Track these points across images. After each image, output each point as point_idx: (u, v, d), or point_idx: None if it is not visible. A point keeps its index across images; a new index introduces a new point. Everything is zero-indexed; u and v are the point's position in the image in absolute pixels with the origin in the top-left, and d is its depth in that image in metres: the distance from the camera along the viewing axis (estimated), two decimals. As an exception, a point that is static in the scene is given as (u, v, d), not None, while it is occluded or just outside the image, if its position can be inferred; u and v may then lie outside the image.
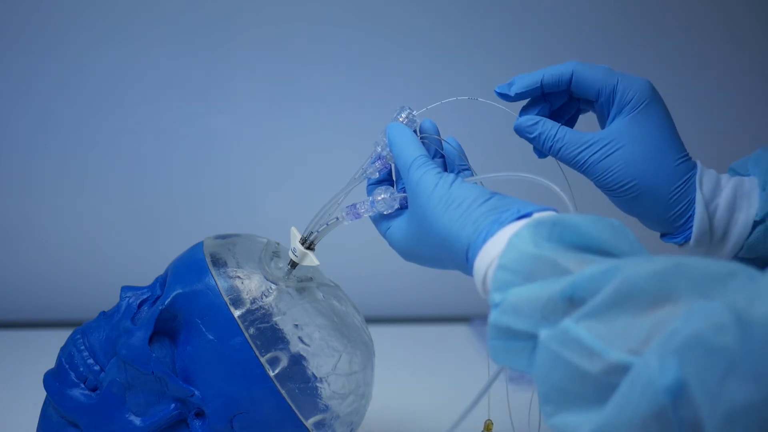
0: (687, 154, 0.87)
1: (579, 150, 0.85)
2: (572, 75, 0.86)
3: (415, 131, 0.86)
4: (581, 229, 0.66)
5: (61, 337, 0.95)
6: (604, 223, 0.67)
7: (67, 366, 0.90)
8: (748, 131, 1.45)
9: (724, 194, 0.86)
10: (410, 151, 0.80)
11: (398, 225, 0.82)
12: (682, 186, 0.86)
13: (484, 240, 0.71)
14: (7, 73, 1.36)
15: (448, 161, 0.87)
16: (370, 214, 0.85)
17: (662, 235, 0.89)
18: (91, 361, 0.90)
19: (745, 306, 0.51)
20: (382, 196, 0.84)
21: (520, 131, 0.87)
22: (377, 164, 0.86)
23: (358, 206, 0.85)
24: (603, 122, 0.88)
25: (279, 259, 0.94)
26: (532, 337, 0.63)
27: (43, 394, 0.91)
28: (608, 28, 1.42)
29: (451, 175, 0.77)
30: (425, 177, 0.77)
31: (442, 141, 0.87)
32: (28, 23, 1.34)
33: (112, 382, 0.88)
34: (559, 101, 0.90)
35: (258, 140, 1.42)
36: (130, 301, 0.92)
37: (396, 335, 1.44)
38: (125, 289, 0.93)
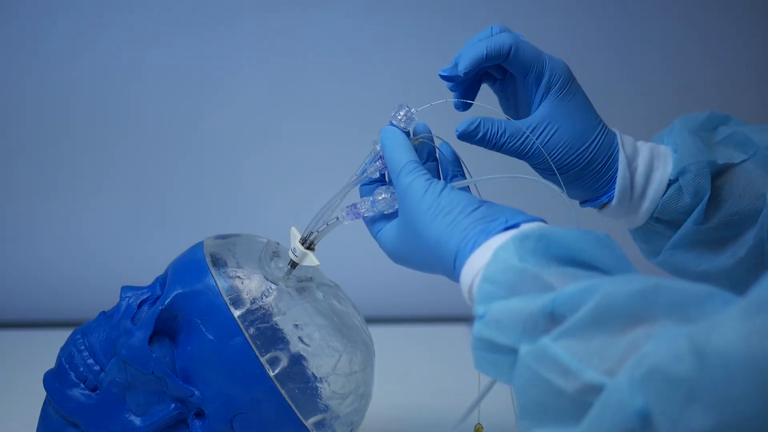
0: (605, 124, 0.89)
1: (523, 138, 0.86)
2: (511, 48, 0.86)
3: (410, 132, 0.86)
4: (567, 243, 0.67)
5: (61, 337, 0.95)
6: (590, 237, 0.67)
7: (67, 366, 0.90)
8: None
9: (642, 154, 0.90)
10: (401, 155, 0.80)
11: (389, 228, 0.83)
12: (612, 153, 0.89)
13: (472, 250, 0.71)
14: (5, 73, 1.37)
15: (442, 166, 0.87)
16: (371, 213, 0.85)
17: (582, 202, 0.92)
18: (91, 361, 0.90)
19: (703, 336, 0.52)
20: (383, 195, 0.84)
21: (465, 137, 0.86)
22: (378, 164, 0.86)
23: (358, 206, 0.85)
24: (520, 97, 0.89)
25: (279, 259, 0.94)
26: (513, 352, 0.64)
27: (43, 394, 0.91)
28: (610, 24, 1.42)
29: (441, 182, 0.77)
30: (415, 183, 0.77)
31: (438, 140, 0.87)
32: (21, 16, 1.34)
33: (112, 382, 0.88)
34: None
35: (258, 140, 1.42)
36: (130, 301, 0.92)
37: (396, 335, 1.44)
38: (125, 289, 0.93)
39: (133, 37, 1.36)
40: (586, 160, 0.87)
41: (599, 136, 0.88)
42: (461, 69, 0.85)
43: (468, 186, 0.84)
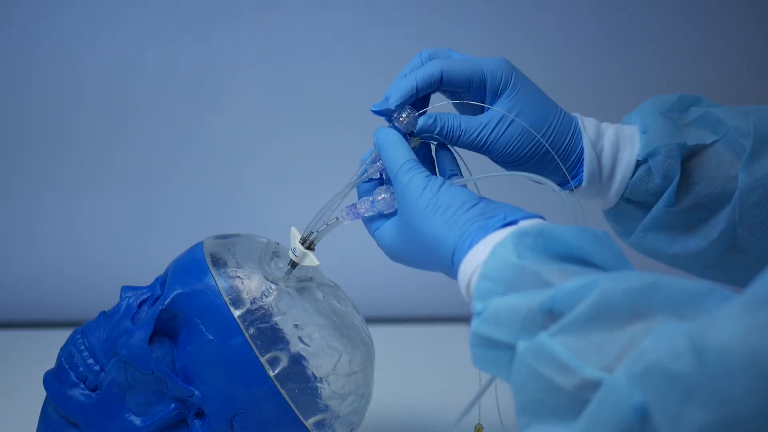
0: (563, 110, 0.89)
1: (478, 132, 0.86)
2: (442, 73, 0.86)
3: (410, 133, 0.86)
4: (565, 240, 0.67)
5: (61, 337, 0.95)
6: (588, 234, 0.67)
7: (67, 366, 0.90)
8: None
9: (608, 135, 0.90)
10: (399, 154, 0.81)
11: (387, 226, 0.83)
12: (572, 137, 0.88)
13: (470, 246, 0.71)
14: (4, 72, 1.37)
15: (440, 166, 0.87)
16: (371, 213, 0.85)
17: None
18: (91, 361, 0.90)
19: (702, 333, 0.52)
20: (382, 195, 0.84)
21: (424, 131, 0.86)
22: (378, 164, 0.86)
23: (358, 206, 0.85)
24: (473, 105, 0.90)
25: (279, 259, 0.94)
26: (511, 348, 0.64)
27: (43, 394, 0.91)
28: (609, 24, 1.42)
29: (440, 179, 0.78)
30: (413, 180, 0.78)
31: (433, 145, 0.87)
32: (21, 15, 1.34)
33: (112, 382, 0.88)
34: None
35: (258, 140, 1.42)
36: (130, 301, 0.92)
37: (396, 335, 1.44)
38: (125, 289, 0.93)
39: (132, 36, 1.36)
40: (545, 149, 0.87)
41: (555, 121, 0.87)
42: (392, 103, 0.85)
43: (465, 184, 0.84)
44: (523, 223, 0.71)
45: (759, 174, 0.87)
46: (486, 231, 0.71)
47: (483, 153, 0.87)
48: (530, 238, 0.67)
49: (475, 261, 0.70)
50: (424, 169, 0.79)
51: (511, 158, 0.87)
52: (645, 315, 0.59)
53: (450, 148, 0.87)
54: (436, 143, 0.87)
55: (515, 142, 0.86)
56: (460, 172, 0.86)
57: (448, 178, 0.85)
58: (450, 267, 0.74)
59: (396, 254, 0.82)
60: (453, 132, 0.85)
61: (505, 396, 0.92)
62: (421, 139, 0.86)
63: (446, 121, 0.85)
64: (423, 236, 0.76)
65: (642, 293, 0.59)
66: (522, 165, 0.87)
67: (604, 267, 0.66)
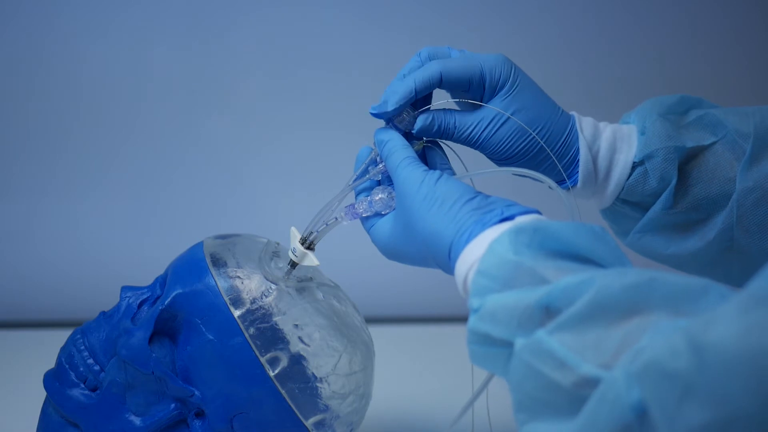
0: (561, 108, 0.89)
1: (471, 129, 0.86)
2: (441, 75, 0.86)
3: (410, 132, 0.86)
4: (562, 236, 0.67)
5: (61, 337, 0.95)
6: (585, 230, 0.67)
7: (67, 366, 0.90)
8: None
9: (604, 136, 0.90)
10: (399, 152, 0.81)
11: (384, 222, 0.83)
12: (567, 136, 0.88)
13: (467, 241, 0.71)
14: (5, 72, 1.37)
15: (434, 165, 0.87)
16: (369, 214, 0.85)
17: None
18: (91, 361, 0.90)
19: (700, 331, 0.52)
20: (380, 195, 0.84)
21: (423, 132, 0.86)
22: (381, 166, 0.86)
23: (356, 206, 0.86)
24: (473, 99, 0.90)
25: (279, 259, 0.94)
26: (508, 345, 0.64)
27: (43, 394, 0.91)
28: (611, 22, 1.42)
29: (437, 172, 0.78)
30: (412, 174, 0.78)
31: (425, 142, 0.87)
32: (23, 15, 1.34)
33: (112, 382, 0.88)
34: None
35: (258, 140, 1.42)
36: (130, 301, 0.92)
37: (396, 335, 1.44)
38: (125, 289, 0.93)
39: (133, 36, 1.36)
40: (539, 148, 0.87)
41: (551, 120, 0.87)
42: (391, 107, 0.85)
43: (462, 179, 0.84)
44: (520, 219, 0.71)
45: (758, 176, 0.87)
46: (483, 226, 0.71)
47: (476, 149, 0.87)
48: (527, 234, 0.67)
49: (472, 257, 0.70)
50: (422, 164, 0.80)
51: (504, 155, 0.87)
52: (642, 311, 0.59)
53: (440, 143, 0.87)
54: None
55: (508, 140, 0.86)
56: (451, 167, 0.86)
57: (445, 171, 0.86)
58: (447, 262, 0.74)
59: (391, 251, 0.83)
60: (447, 128, 0.86)
61: (496, 401, 0.92)
62: (424, 142, 0.87)
63: (442, 119, 0.86)
64: (420, 229, 0.76)
65: (639, 290, 0.59)
66: (515, 163, 0.87)
67: (601, 263, 0.66)
